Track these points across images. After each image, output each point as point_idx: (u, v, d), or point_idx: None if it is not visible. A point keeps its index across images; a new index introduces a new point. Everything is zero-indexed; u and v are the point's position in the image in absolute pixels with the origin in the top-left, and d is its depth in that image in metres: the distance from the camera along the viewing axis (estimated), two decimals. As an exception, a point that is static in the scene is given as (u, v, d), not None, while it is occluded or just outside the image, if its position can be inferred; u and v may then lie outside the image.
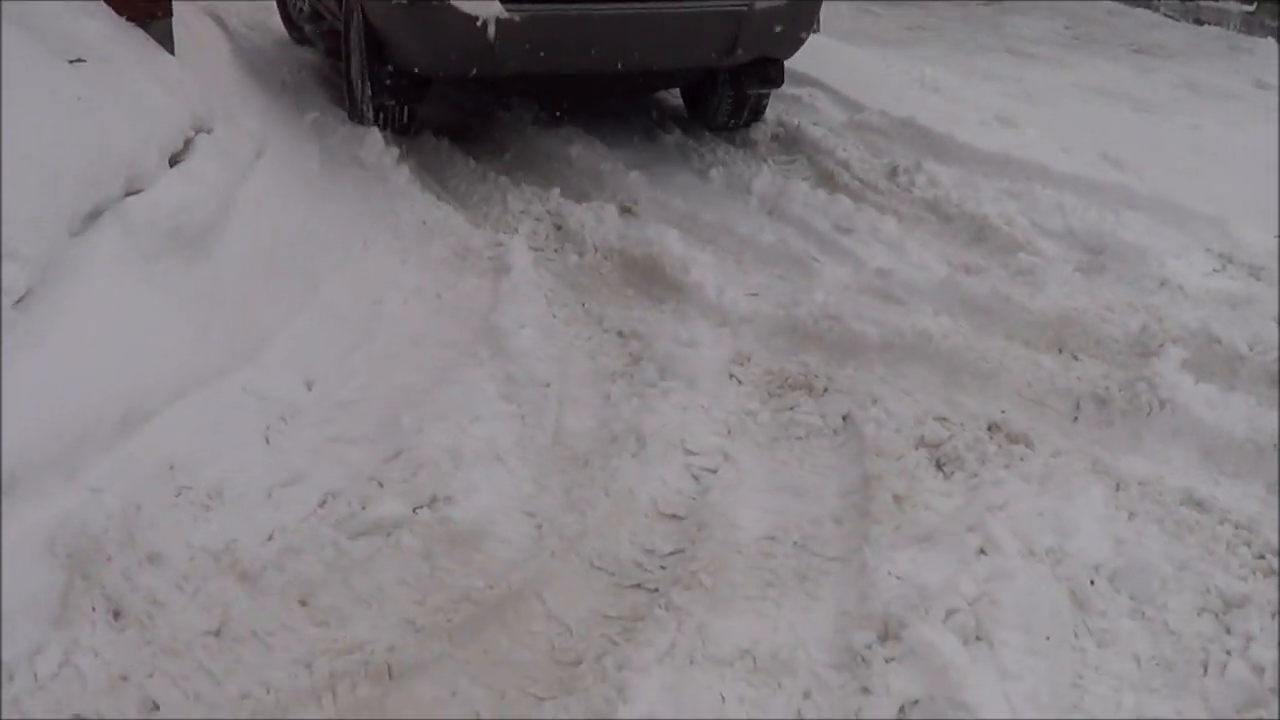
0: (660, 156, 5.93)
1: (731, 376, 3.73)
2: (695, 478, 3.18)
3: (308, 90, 6.44)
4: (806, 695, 2.42)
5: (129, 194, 3.55)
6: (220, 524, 2.77)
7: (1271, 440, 3.31)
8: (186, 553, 2.67)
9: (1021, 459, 3.22)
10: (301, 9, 7.48)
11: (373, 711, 2.35)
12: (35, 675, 2.31)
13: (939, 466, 3.22)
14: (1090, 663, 2.59)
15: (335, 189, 4.91)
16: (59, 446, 2.71)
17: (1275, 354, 3.75)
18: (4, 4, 3.46)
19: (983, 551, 2.77)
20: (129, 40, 3.96)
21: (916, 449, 3.26)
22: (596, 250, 4.79)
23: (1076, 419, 3.55)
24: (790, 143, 6.22)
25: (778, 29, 5.48)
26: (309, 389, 3.37)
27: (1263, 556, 2.90)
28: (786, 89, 6.36)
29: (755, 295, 4.37)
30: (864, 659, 2.44)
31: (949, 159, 5.88)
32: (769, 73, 5.81)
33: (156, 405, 2.99)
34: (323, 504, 2.89)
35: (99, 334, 3.06)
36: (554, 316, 4.14)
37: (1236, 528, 3.01)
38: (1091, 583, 2.78)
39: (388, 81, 5.52)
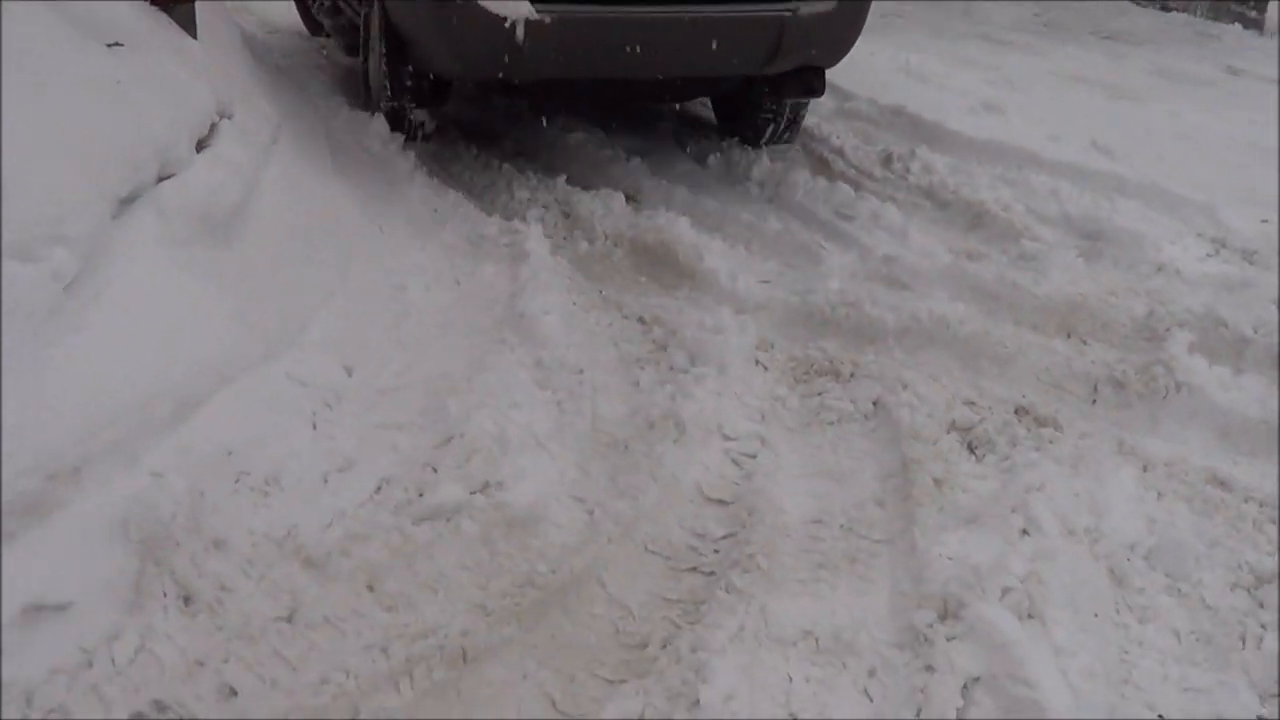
0: (659, 144, 5.97)
1: (757, 363, 3.78)
2: (736, 463, 3.24)
3: (310, 76, 6.43)
4: (871, 674, 2.49)
5: (161, 178, 3.54)
6: (280, 510, 2.79)
7: (1287, 420, 3.44)
8: (249, 539, 2.69)
9: (1051, 441, 3.31)
10: (321, 2, 7.38)
11: (448, 695, 2.39)
12: (113, 660, 2.32)
13: (971, 450, 3.31)
14: (1134, 638, 2.69)
15: (345, 175, 4.89)
16: (119, 432, 2.71)
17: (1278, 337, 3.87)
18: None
19: (1025, 532, 2.86)
20: (156, 24, 3.93)
21: (948, 433, 3.35)
22: (606, 238, 4.83)
23: (1094, 402, 3.65)
24: (784, 130, 6.28)
25: (823, 35, 5.15)
26: (349, 375, 3.38)
27: (1288, 533, 3.02)
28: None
29: (768, 282, 4.43)
30: (926, 638, 2.52)
31: (941, 146, 5.98)
32: (811, 82, 5.51)
33: (206, 391, 2.99)
34: (378, 490, 2.91)
35: (145, 319, 3.05)
36: (574, 304, 4.17)
37: (1261, 505, 3.13)
38: (1129, 561, 2.88)
39: (408, 83, 5.32)
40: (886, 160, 5.84)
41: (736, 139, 6.05)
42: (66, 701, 2.23)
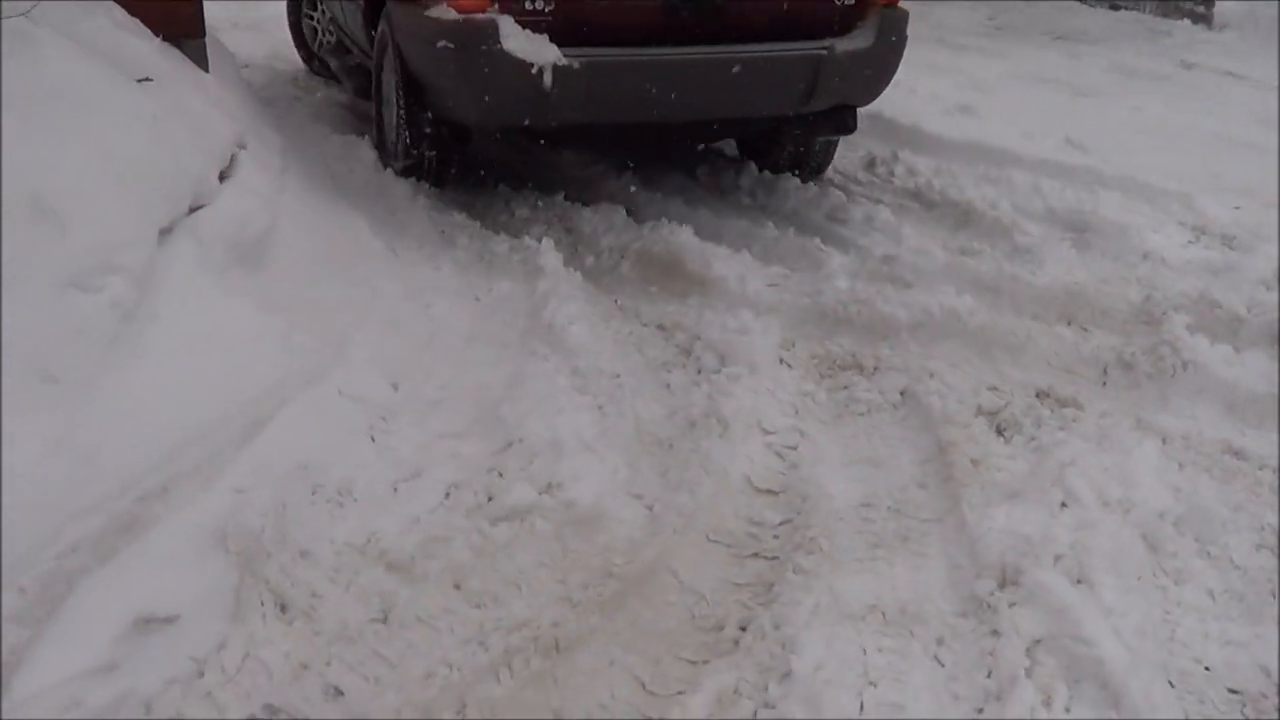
0: (649, 158, 6.10)
1: (781, 361, 3.92)
2: (779, 455, 3.38)
3: (291, 107, 6.51)
4: (940, 642, 2.63)
5: (194, 208, 3.63)
6: (357, 519, 2.89)
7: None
8: (331, 547, 2.79)
9: (1074, 420, 3.49)
10: (324, 41, 7.27)
11: (546, 683, 2.49)
12: (223, 668, 2.41)
13: (1000, 432, 3.47)
14: (1173, 599, 2.85)
15: (349, 199, 4.98)
16: (200, 452, 2.81)
17: (1272, 314, 4.08)
18: (65, 25, 3.51)
19: (1064, 505, 3.03)
20: (172, 59, 4.02)
21: (976, 417, 3.51)
22: (612, 251, 4.94)
23: (1105, 384, 3.83)
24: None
25: (859, 73, 4.96)
26: (395, 390, 3.48)
27: (1303, 496, 3.21)
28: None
29: (775, 286, 4.57)
30: (989, 605, 2.67)
31: (922, 149, 6.18)
32: (845, 120, 5.30)
33: (270, 410, 3.09)
34: (447, 495, 3.02)
35: (200, 343, 3.15)
36: (593, 314, 4.29)
37: (1275, 472, 3.31)
38: (1160, 528, 3.05)
39: (427, 130, 5.06)
40: (870, 165, 6.04)
41: (720, 151, 6.19)
42: (183, 710, 2.32)
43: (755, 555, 2.96)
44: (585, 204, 5.34)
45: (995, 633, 2.61)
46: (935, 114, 6.68)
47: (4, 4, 3.35)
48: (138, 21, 4.01)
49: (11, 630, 2.27)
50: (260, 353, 3.31)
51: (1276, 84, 7.84)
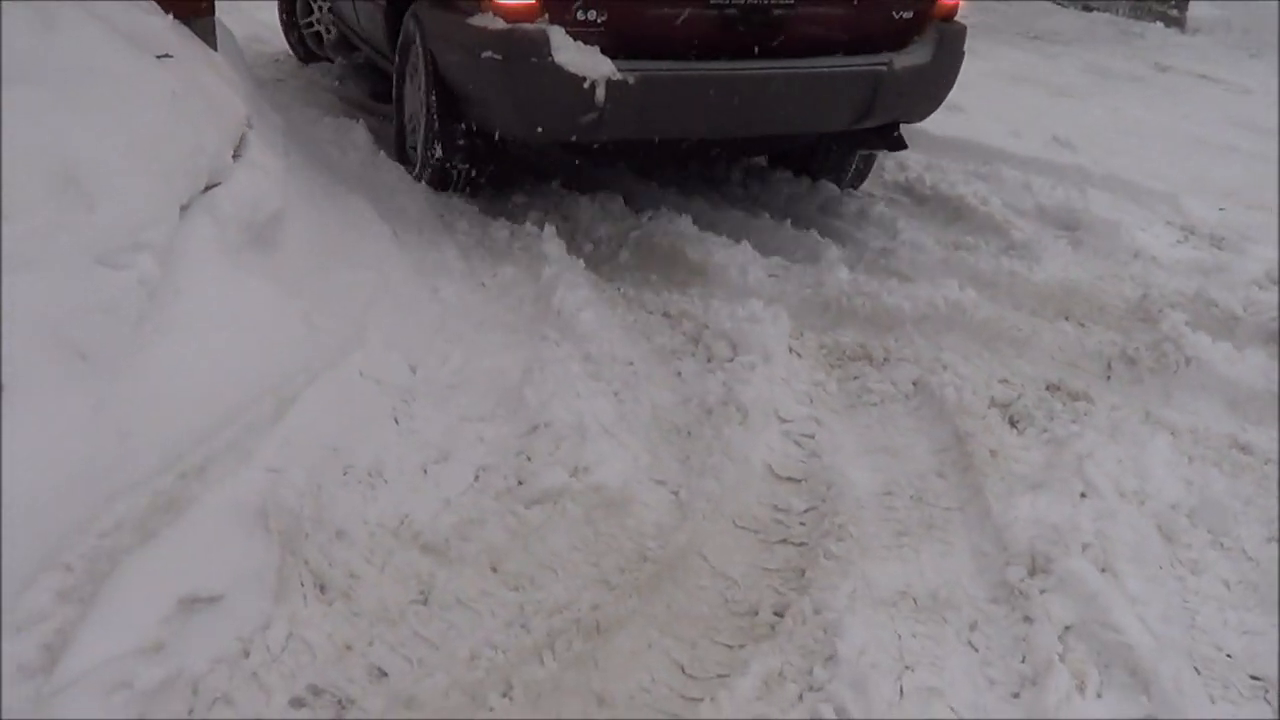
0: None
1: (790, 350, 3.96)
2: (798, 443, 3.42)
3: (277, 90, 6.46)
4: (973, 627, 2.68)
5: (208, 186, 3.60)
6: (388, 500, 2.89)
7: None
8: (365, 528, 2.78)
9: (1086, 414, 3.55)
10: (325, 34, 7.10)
11: (588, 665, 2.51)
12: (268, 648, 2.41)
13: (1012, 424, 3.53)
14: (1190, 588, 2.92)
15: (349, 182, 4.95)
16: (235, 430, 2.79)
17: (1268, 314, 4.17)
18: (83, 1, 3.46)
19: (1084, 495, 3.09)
20: (184, 37, 3.97)
21: (990, 408, 3.56)
22: (610, 239, 4.96)
23: (1109, 378, 3.90)
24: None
25: (917, 90, 4.82)
26: (413, 372, 3.47)
27: (1309, 490, 3.29)
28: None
29: (776, 276, 4.60)
30: (1021, 592, 2.72)
31: (911, 144, 6.20)
32: (897, 136, 5.19)
33: (296, 390, 3.07)
34: (477, 478, 3.02)
35: (226, 322, 3.12)
36: (599, 301, 4.30)
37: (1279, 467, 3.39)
38: (1174, 519, 3.12)
39: (461, 142, 4.88)
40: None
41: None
42: (230, 690, 2.31)
43: (783, 541, 2.99)
44: (581, 191, 5.35)
45: (1027, 619, 2.66)
46: (922, 110, 6.73)
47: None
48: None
49: (60, 608, 2.25)
50: (283, 333, 3.28)
51: (1255, 89, 7.98)
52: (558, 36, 4.18)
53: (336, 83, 7.00)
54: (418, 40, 4.91)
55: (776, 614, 2.69)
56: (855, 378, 3.82)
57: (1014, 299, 4.46)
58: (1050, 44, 9.48)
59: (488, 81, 4.39)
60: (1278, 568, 3.00)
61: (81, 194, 2.95)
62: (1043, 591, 2.71)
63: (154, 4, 3.98)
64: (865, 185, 5.86)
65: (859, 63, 4.63)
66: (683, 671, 2.56)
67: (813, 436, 3.44)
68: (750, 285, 4.46)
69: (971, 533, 3.00)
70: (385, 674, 2.45)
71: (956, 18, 4.92)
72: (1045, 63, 8.78)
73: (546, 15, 4.21)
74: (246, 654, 2.38)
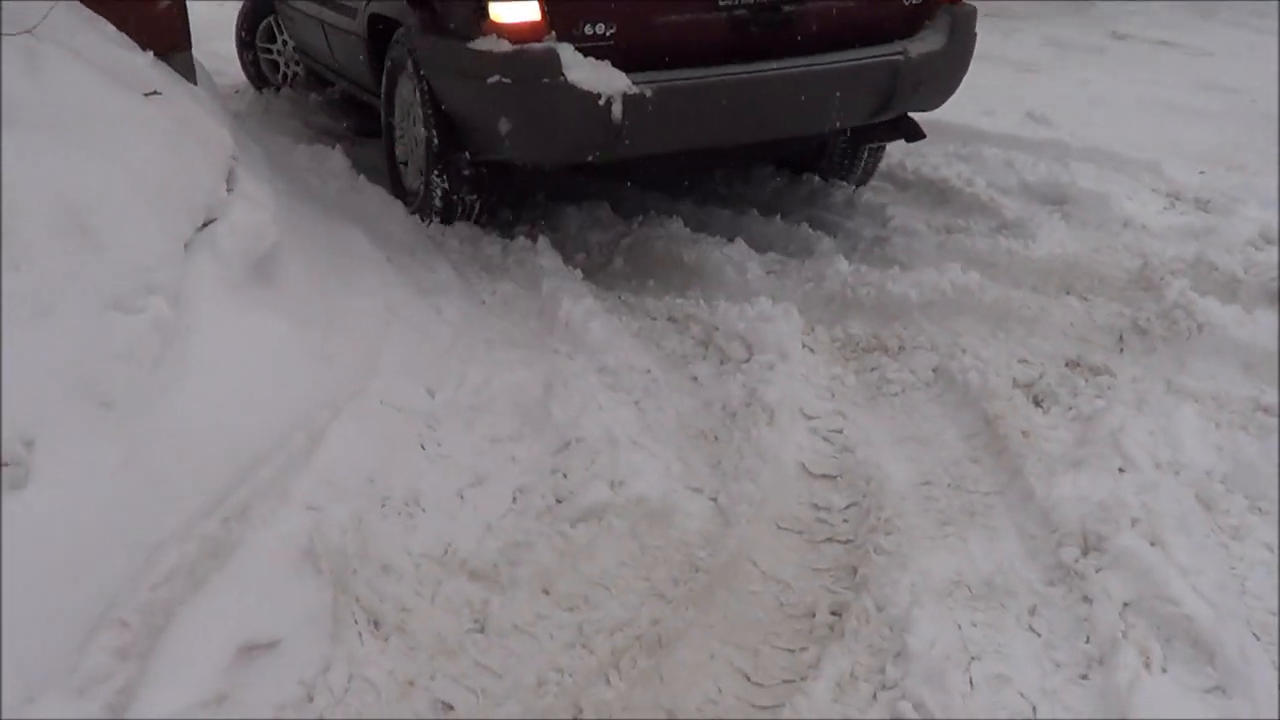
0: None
1: (804, 346, 3.93)
2: (827, 440, 3.39)
3: (254, 119, 6.39)
4: (1032, 611, 2.66)
5: (206, 222, 3.53)
6: (429, 529, 2.84)
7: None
8: (410, 560, 2.73)
9: (1109, 388, 3.55)
10: (288, 70, 7.00)
11: (653, 681, 2.47)
12: (331, 691, 2.36)
13: (1037, 403, 3.52)
14: (1235, 554, 2.92)
15: (335, 208, 4.89)
16: (269, 470, 2.73)
17: (1269, 274, 4.20)
18: (65, 41, 3.38)
19: (1123, 470, 3.08)
20: (165, 73, 3.89)
21: (1014, 389, 3.55)
22: (602, 247, 4.93)
23: (1122, 350, 3.90)
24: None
25: (933, 77, 4.72)
26: (432, 396, 3.42)
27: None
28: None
29: (774, 272, 4.58)
30: (1077, 572, 2.71)
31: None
32: (912, 126, 5.11)
33: (323, 423, 3.01)
34: (515, 499, 2.98)
35: (242, 360, 3.05)
36: (603, 310, 4.26)
37: (1305, 426, 3.41)
38: (1210, 487, 3.12)
39: (467, 172, 4.71)
40: (838, 148, 6.06)
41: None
42: (296, 735, 2.26)
43: (829, 540, 2.96)
44: (568, 201, 5.30)
45: (1086, 599, 2.65)
46: (893, 94, 6.73)
47: (3, 19, 3.21)
48: (125, 36, 3.87)
49: (120, 666, 2.18)
50: (299, 366, 3.22)
51: (1215, 51, 8.05)
52: (567, 54, 4.05)
53: (309, 115, 6.90)
54: (409, 68, 4.74)
55: (834, 614, 2.67)
56: (873, 369, 3.80)
57: (1015, 278, 4.46)
58: (1005, 20, 9.52)
59: (495, 108, 4.21)
60: (1315, 527, 3.01)
61: (89, 237, 2.87)
62: (1099, 570, 2.70)
63: (131, 41, 3.89)
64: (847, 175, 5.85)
65: (875, 54, 4.55)
66: (748, 680, 2.52)
67: (841, 431, 3.42)
68: (750, 283, 4.44)
69: (1016, 516, 2.99)
70: (451, 707, 2.40)
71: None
72: (1004, 39, 8.81)
73: (553, 33, 4.08)
74: (310, 698, 2.34)
